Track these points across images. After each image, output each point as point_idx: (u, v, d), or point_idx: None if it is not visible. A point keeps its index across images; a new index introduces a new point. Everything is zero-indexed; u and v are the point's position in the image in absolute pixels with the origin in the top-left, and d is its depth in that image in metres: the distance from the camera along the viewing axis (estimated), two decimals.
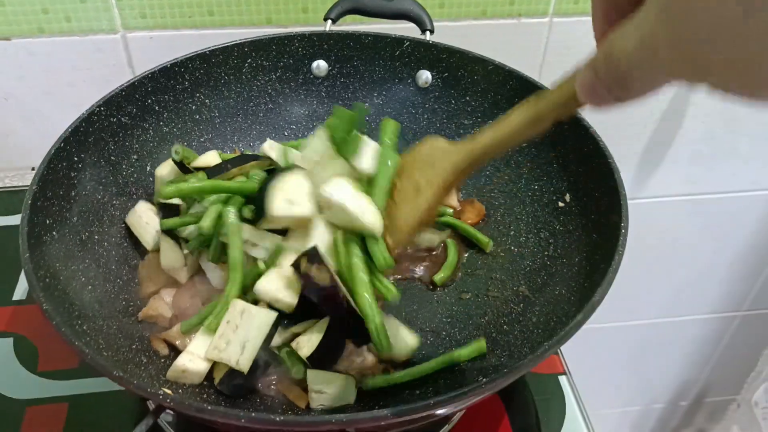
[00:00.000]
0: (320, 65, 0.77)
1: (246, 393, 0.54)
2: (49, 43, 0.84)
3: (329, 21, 0.77)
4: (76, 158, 0.61)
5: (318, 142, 0.56)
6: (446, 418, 0.62)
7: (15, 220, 0.84)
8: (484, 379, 0.44)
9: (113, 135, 0.65)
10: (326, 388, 0.53)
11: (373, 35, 0.75)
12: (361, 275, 0.52)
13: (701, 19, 0.24)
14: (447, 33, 0.88)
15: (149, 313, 0.58)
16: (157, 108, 0.69)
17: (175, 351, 0.56)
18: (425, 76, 0.75)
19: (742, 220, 1.24)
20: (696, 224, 1.24)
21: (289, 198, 0.54)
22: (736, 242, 1.28)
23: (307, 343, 0.52)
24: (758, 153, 1.12)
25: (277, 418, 0.41)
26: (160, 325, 0.59)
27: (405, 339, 0.57)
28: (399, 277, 0.66)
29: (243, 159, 0.64)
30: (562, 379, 0.67)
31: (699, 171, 1.15)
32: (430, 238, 0.66)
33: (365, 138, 0.56)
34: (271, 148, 0.65)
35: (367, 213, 0.52)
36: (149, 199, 0.66)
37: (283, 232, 0.58)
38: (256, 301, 0.54)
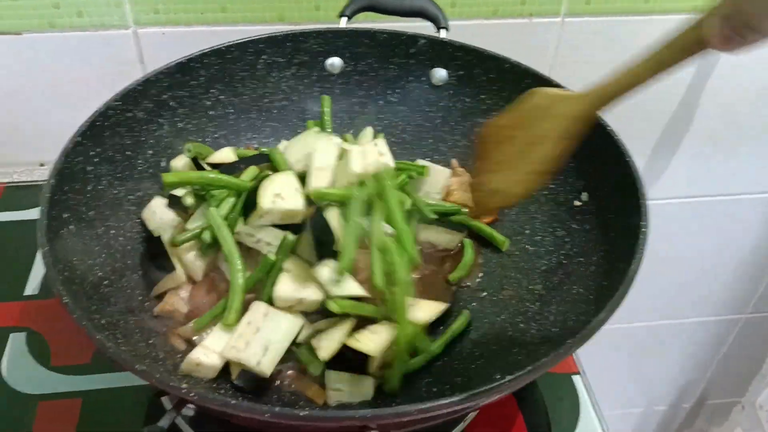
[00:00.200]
0: (335, 62, 0.76)
1: (262, 389, 0.54)
2: (59, 38, 0.84)
3: (344, 18, 0.76)
4: (92, 152, 0.61)
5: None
6: (460, 417, 0.62)
7: (24, 215, 0.83)
8: (508, 377, 0.43)
9: (129, 130, 0.65)
10: (344, 387, 0.53)
11: (388, 32, 0.75)
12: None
13: None
14: (458, 32, 0.87)
15: (165, 308, 0.58)
16: (172, 103, 0.69)
17: (192, 346, 0.56)
18: (440, 74, 0.75)
19: (746, 223, 1.24)
20: (700, 226, 1.24)
21: (278, 193, 0.56)
22: (740, 244, 1.28)
23: (328, 345, 0.52)
24: (762, 155, 1.13)
25: (301, 413, 0.41)
26: (176, 320, 0.58)
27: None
28: (417, 276, 0.65)
29: (256, 159, 0.65)
30: (576, 378, 0.67)
31: (703, 173, 1.15)
32: (449, 238, 0.66)
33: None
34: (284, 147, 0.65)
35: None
36: (164, 194, 0.66)
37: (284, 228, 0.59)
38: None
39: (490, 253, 0.69)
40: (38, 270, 0.75)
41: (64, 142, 0.59)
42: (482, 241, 0.69)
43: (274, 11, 0.85)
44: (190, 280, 0.60)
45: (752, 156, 1.12)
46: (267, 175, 0.58)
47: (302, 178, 0.60)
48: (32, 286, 0.73)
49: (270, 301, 0.55)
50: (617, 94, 0.47)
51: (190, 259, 0.60)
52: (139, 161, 0.66)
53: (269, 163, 0.64)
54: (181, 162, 0.66)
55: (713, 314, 1.40)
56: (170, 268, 0.59)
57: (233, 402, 0.41)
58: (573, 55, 0.95)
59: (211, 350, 0.52)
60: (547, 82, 0.68)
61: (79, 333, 0.66)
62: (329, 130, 0.72)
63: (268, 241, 0.57)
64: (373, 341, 0.51)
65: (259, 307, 0.54)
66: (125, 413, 0.60)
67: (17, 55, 0.84)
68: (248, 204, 0.57)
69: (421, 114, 0.77)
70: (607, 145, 0.61)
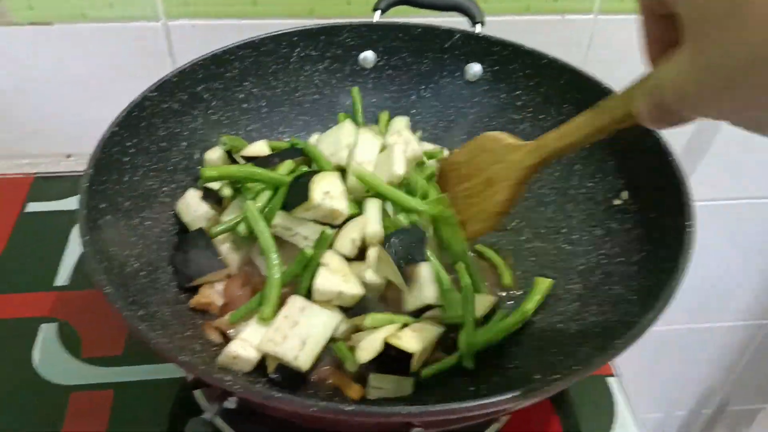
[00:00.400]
0: (368, 56, 0.76)
1: (298, 383, 0.53)
2: (90, 30, 0.84)
3: (378, 12, 0.76)
4: (128, 143, 0.60)
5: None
6: (495, 417, 0.61)
7: (53, 205, 0.83)
8: (556, 375, 0.43)
9: (164, 121, 0.65)
10: (385, 385, 0.52)
11: (422, 27, 0.74)
12: None
13: (719, 67, 0.27)
14: (489, 28, 0.87)
15: (201, 300, 0.57)
16: (206, 96, 0.69)
17: (227, 340, 0.56)
18: (475, 69, 0.74)
19: None
20: (727, 230, 1.22)
21: (327, 191, 0.56)
22: (767, 249, 1.26)
23: (368, 347, 0.51)
24: None
25: (347, 408, 0.40)
26: (211, 313, 0.58)
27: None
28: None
29: (290, 153, 0.64)
30: (611, 381, 0.66)
31: (733, 176, 1.13)
32: None
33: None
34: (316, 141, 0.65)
35: None
36: (198, 186, 0.66)
37: None
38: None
39: (524, 252, 0.68)
40: (68, 260, 0.74)
41: (93, 133, 0.59)
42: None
43: (305, 5, 0.85)
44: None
45: None
46: (309, 171, 0.58)
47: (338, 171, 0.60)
48: (63, 277, 0.73)
49: (307, 295, 0.54)
50: (559, 152, 0.49)
51: (224, 252, 0.60)
52: (174, 153, 0.66)
53: (304, 157, 0.64)
54: (215, 154, 0.66)
55: (738, 319, 1.38)
56: None
57: (278, 395, 0.40)
58: (606, 53, 0.93)
59: (248, 343, 0.52)
60: (586, 79, 0.67)
61: (110, 324, 0.67)
62: (361, 122, 0.72)
63: (306, 235, 0.57)
64: (414, 339, 0.50)
65: (296, 301, 0.53)
66: (157, 406, 0.60)
67: (47, 46, 0.84)
68: (290, 197, 0.56)
69: (454, 109, 0.76)
70: (649, 144, 0.60)
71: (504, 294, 0.64)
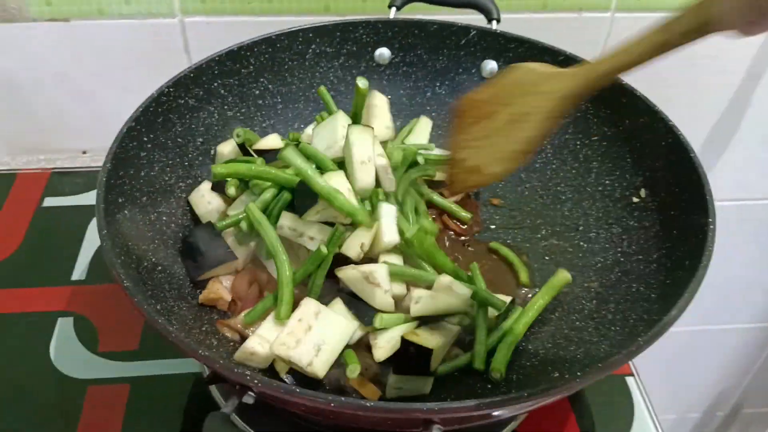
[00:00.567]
0: (383, 53, 0.75)
1: (313, 380, 0.53)
2: (107, 26, 0.84)
3: (393, 8, 0.75)
4: (145, 138, 0.61)
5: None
6: (513, 416, 0.61)
7: (69, 200, 0.84)
8: (579, 373, 0.42)
9: (180, 117, 0.65)
10: (404, 385, 0.52)
11: (438, 23, 0.74)
12: None
13: None
14: (506, 25, 0.86)
15: (209, 296, 0.57)
16: (222, 91, 0.69)
17: (243, 337, 0.55)
18: (491, 65, 0.74)
19: None
20: (744, 230, 1.20)
21: (336, 189, 0.55)
22: None
23: (385, 344, 0.50)
24: None
25: (369, 404, 0.40)
26: (220, 308, 0.58)
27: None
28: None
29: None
30: (630, 380, 0.65)
31: (751, 176, 1.12)
32: None
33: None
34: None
35: None
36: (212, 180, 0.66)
37: None
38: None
39: (540, 250, 0.67)
40: (85, 255, 0.75)
41: (109, 129, 0.59)
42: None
43: (321, 2, 0.85)
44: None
45: None
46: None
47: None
48: (79, 272, 0.73)
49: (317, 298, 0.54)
50: (611, 73, 0.44)
51: (230, 245, 0.59)
52: (190, 148, 0.66)
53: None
54: (228, 147, 0.66)
55: (753, 321, 1.36)
56: None
57: (299, 390, 0.40)
58: None
59: (266, 340, 0.51)
60: None
61: (126, 319, 0.67)
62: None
63: (312, 235, 0.56)
64: (433, 336, 0.50)
65: (309, 305, 0.52)
66: (173, 400, 0.60)
67: (65, 42, 0.85)
68: (298, 201, 0.56)
69: None
70: (669, 141, 0.59)
71: (523, 292, 0.64)
